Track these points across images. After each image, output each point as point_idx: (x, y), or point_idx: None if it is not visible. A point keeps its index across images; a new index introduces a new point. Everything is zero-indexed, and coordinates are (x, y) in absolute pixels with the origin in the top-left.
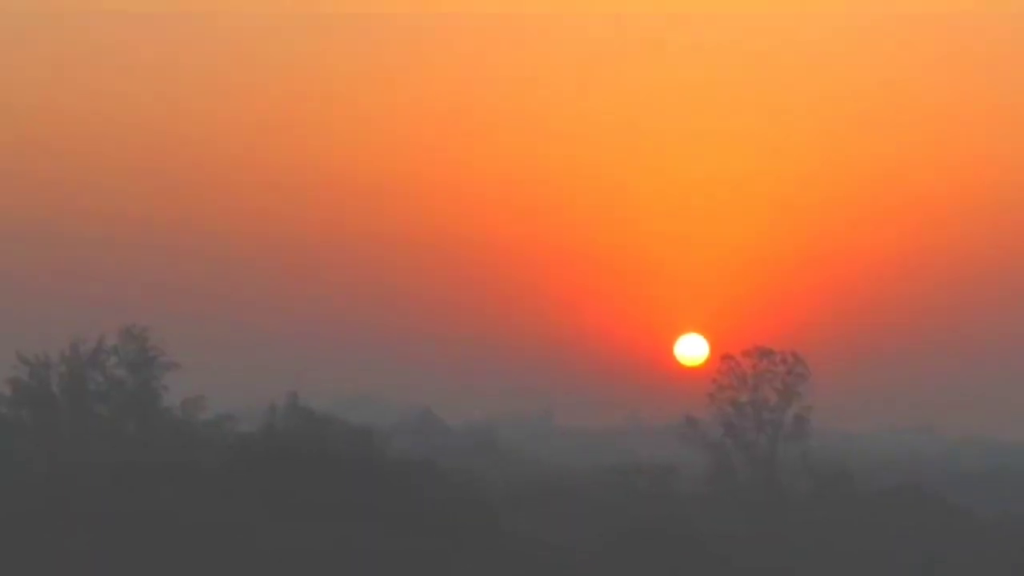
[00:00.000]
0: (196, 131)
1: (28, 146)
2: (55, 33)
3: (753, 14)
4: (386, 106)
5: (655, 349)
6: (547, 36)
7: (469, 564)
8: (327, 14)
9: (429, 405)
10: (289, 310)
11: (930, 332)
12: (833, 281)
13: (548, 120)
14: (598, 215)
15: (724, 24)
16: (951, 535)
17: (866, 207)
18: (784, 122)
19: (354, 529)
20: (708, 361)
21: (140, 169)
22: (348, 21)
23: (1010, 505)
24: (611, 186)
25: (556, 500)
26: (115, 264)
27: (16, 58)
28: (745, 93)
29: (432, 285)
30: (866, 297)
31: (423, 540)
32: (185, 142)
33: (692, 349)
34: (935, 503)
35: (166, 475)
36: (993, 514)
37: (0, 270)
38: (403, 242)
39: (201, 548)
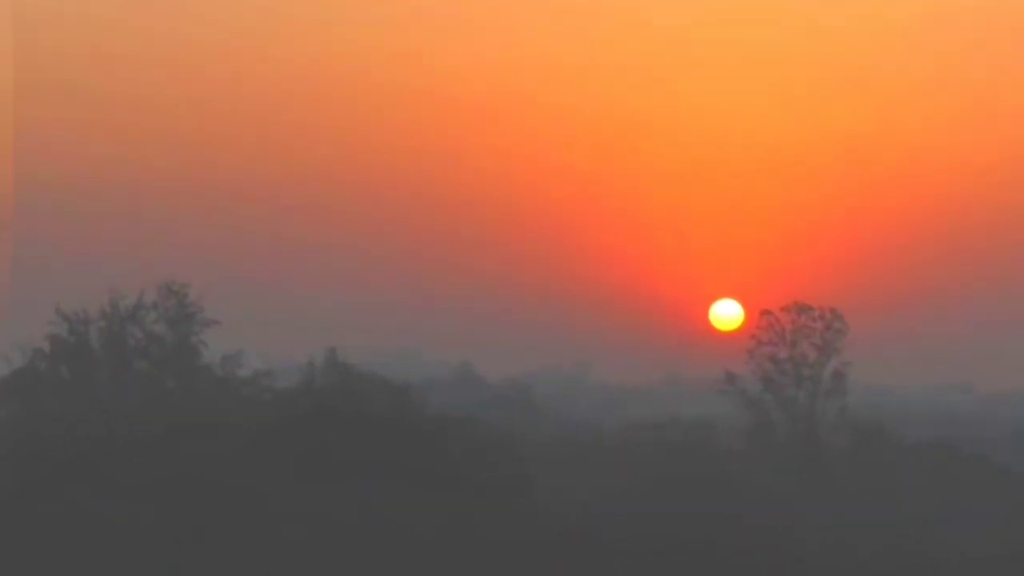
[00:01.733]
0: (235, 84)
1: (64, 98)
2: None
3: None
4: (435, 71)
5: (691, 312)
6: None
7: (505, 521)
8: None
9: (468, 360)
10: (328, 265)
11: (968, 288)
12: (871, 238)
13: (588, 80)
14: (634, 172)
15: None
16: (986, 491)
17: (905, 163)
18: (819, 81)
19: (391, 486)
20: (743, 326)
21: (178, 123)
22: None
23: None
24: (648, 146)
25: (592, 455)
26: (153, 219)
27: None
28: (774, 54)
29: (470, 241)
30: (904, 253)
31: (459, 497)
32: (224, 95)
33: (727, 313)
34: (971, 459)
35: (204, 432)
36: None
37: (38, 226)
38: (442, 198)
39: (237, 508)
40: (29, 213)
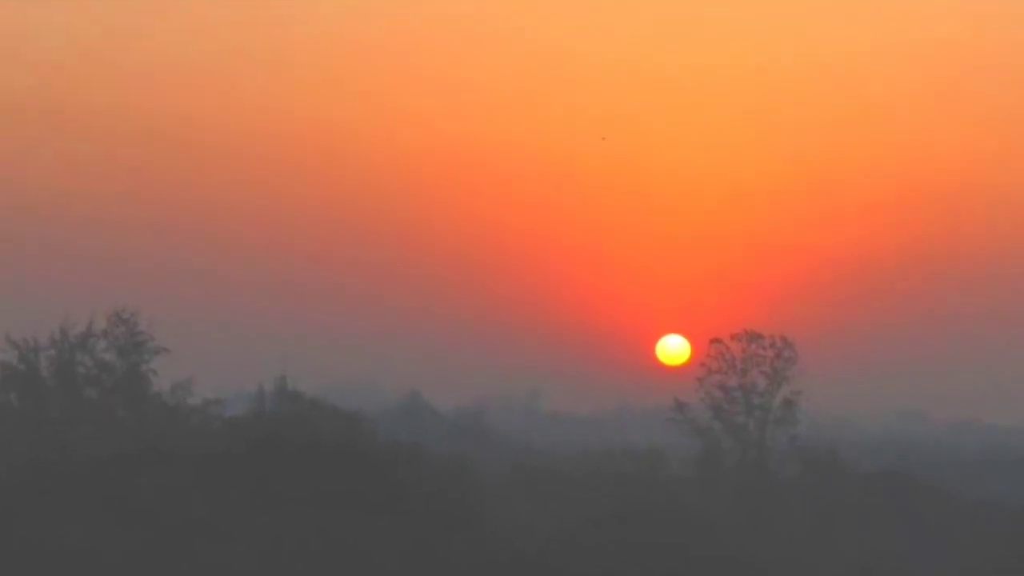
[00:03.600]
0: (186, 109)
1: (15, 129)
2: (42, 10)
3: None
4: (390, 107)
5: (638, 345)
6: (541, 36)
7: (457, 549)
8: None
9: (418, 389)
10: (278, 294)
11: (922, 316)
12: (821, 266)
13: (541, 108)
14: (587, 204)
15: (718, 23)
16: (939, 519)
17: (855, 191)
18: (772, 114)
19: (342, 515)
20: (690, 360)
21: (129, 150)
22: None
23: (999, 490)
24: (600, 177)
25: (544, 484)
26: (103, 247)
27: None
28: (717, 88)
29: (421, 269)
30: (855, 281)
31: (411, 526)
32: (175, 121)
33: (674, 347)
34: (924, 487)
35: (154, 460)
36: (982, 498)
37: None
38: (391, 228)
39: (188, 535)
40: None
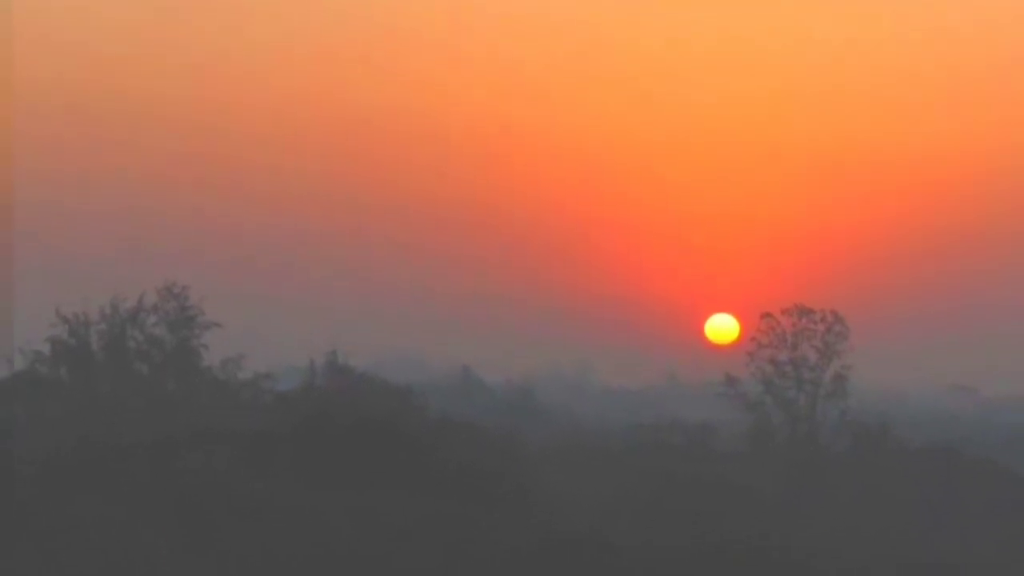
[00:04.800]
0: (239, 85)
1: (64, 98)
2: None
3: None
4: (436, 62)
5: (687, 323)
6: (596, 23)
7: (507, 524)
8: None
9: (468, 363)
10: (329, 269)
11: (972, 291)
12: (874, 241)
13: (592, 90)
14: (637, 182)
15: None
16: (989, 495)
17: (909, 165)
18: (817, 86)
19: (391, 490)
20: (738, 339)
21: (179, 124)
22: None
23: None
24: (651, 155)
25: (594, 458)
26: (154, 222)
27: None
28: (768, 61)
29: (472, 246)
30: (906, 256)
31: (461, 501)
32: (227, 96)
33: (722, 325)
34: (973, 463)
35: (205, 435)
36: None
37: (39, 228)
38: (444, 203)
39: (238, 512)
40: (30, 214)
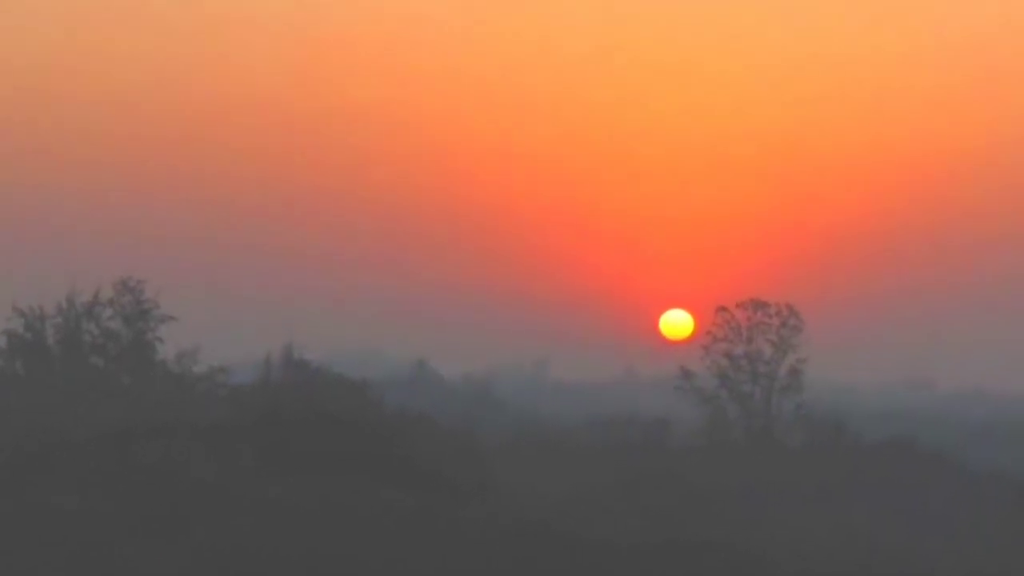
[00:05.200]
0: (191, 74)
1: (22, 94)
2: None
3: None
4: (395, 62)
5: (642, 319)
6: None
7: (464, 517)
8: None
9: (425, 357)
10: (284, 262)
11: (929, 284)
12: (828, 234)
13: (549, 84)
14: (593, 178)
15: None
16: (945, 489)
17: (860, 158)
18: (774, 90)
19: (348, 483)
20: (693, 334)
21: (135, 117)
22: None
23: (1005, 459)
24: (605, 152)
25: (550, 452)
26: (110, 215)
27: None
28: (728, 61)
29: (429, 239)
30: (862, 248)
31: (418, 494)
32: (178, 85)
33: (677, 320)
34: (929, 456)
35: (160, 429)
36: (987, 468)
37: None
38: (399, 197)
39: (194, 504)
40: None
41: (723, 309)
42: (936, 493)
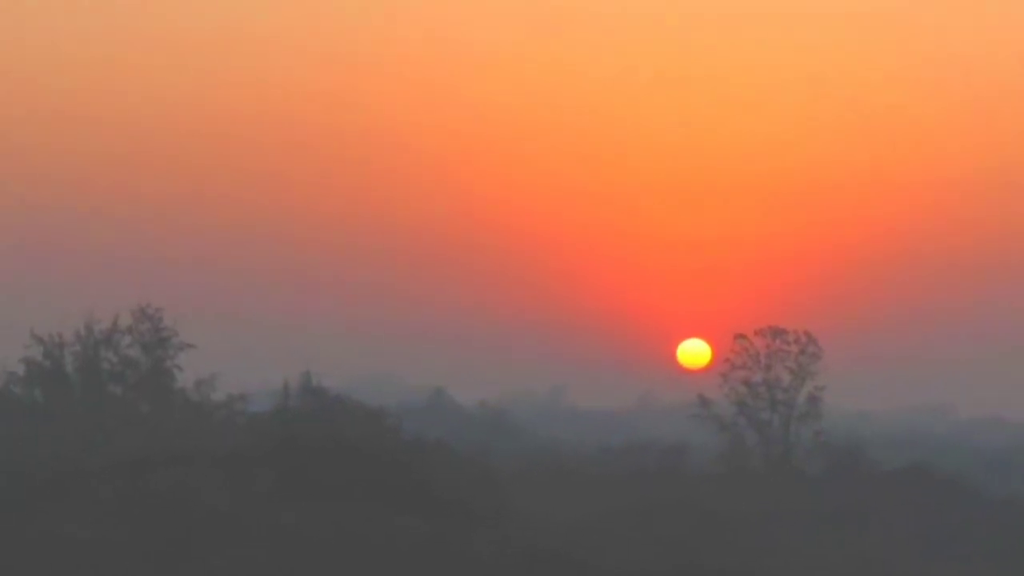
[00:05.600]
0: (209, 104)
1: (39, 121)
2: (59, 7)
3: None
4: (412, 98)
5: (659, 348)
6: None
7: (480, 545)
8: None
9: (442, 385)
10: (303, 291)
11: (945, 312)
12: (845, 262)
13: (566, 110)
14: (609, 206)
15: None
16: (962, 516)
17: (879, 186)
18: (790, 107)
19: (365, 511)
20: (711, 363)
21: (156, 147)
22: None
23: (1022, 485)
24: (623, 180)
25: (567, 479)
26: (130, 244)
27: (20, 36)
28: (744, 83)
29: (447, 268)
30: (879, 277)
31: (435, 522)
32: (197, 115)
33: (694, 350)
34: (945, 482)
35: (178, 456)
36: (1005, 495)
37: (14, 248)
38: (416, 225)
39: (211, 533)
40: (4, 235)
41: (741, 336)
42: (953, 520)
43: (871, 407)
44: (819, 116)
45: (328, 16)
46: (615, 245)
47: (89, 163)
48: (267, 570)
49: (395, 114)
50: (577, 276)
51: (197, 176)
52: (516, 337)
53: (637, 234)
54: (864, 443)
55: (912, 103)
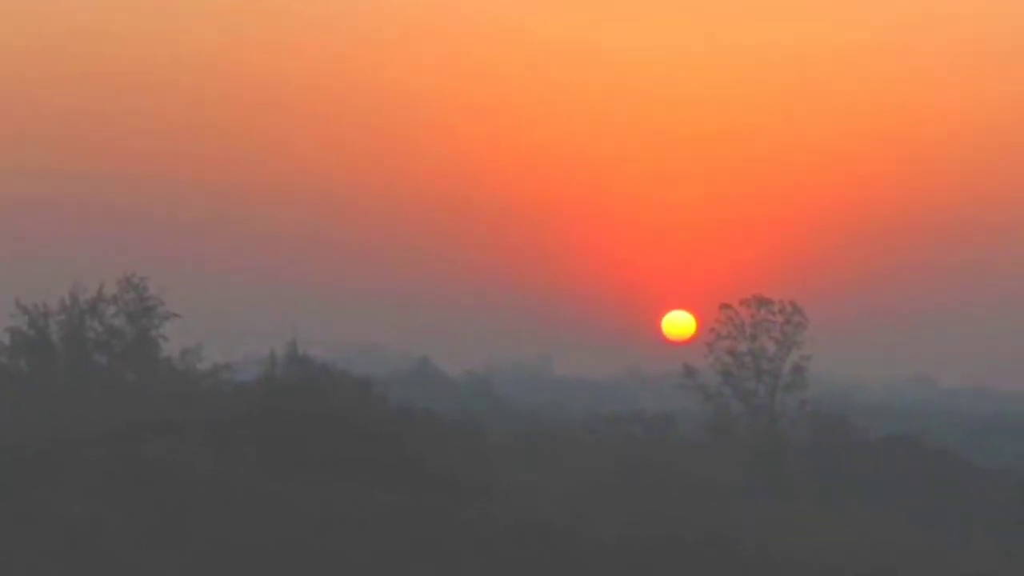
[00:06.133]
0: (194, 70)
1: (25, 91)
2: None
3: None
4: (406, 68)
5: (644, 319)
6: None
7: (467, 514)
8: None
9: (428, 354)
10: (288, 259)
11: (931, 282)
12: (831, 230)
13: (558, 86)
14: (596, 175)
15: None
16: (949, 485)
17: (863, 160)
18: (776, 81)
19: (351, 480)
20: (696, 336)
21: (140, 116)
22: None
23: (1009, 455)
24: (608, 150)
25: (554, 448)
26: (114, 212)
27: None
28: (729, 62)
29: (433, 236)
30: (865, 244)
31: (421, 491)
32: (187, 89)
33: (679, 323)
34: (933, 451)
35: (164, 426)
36: (992, 464)
37: None
38: (403, 194)
39: (198, 502)
40: None
41: (726, 306)
42: (940, 489)
43: (857, 376)
44: (804, 87)
45: None
46: (601, 216)
47: (72, 133)
48: (254, 539)
49: (383, 84)
50: (563, 247)
51: (183, 144)
52: (502, 307)
53: (623, 205)
54: (850, 412)
55: (889, 70)
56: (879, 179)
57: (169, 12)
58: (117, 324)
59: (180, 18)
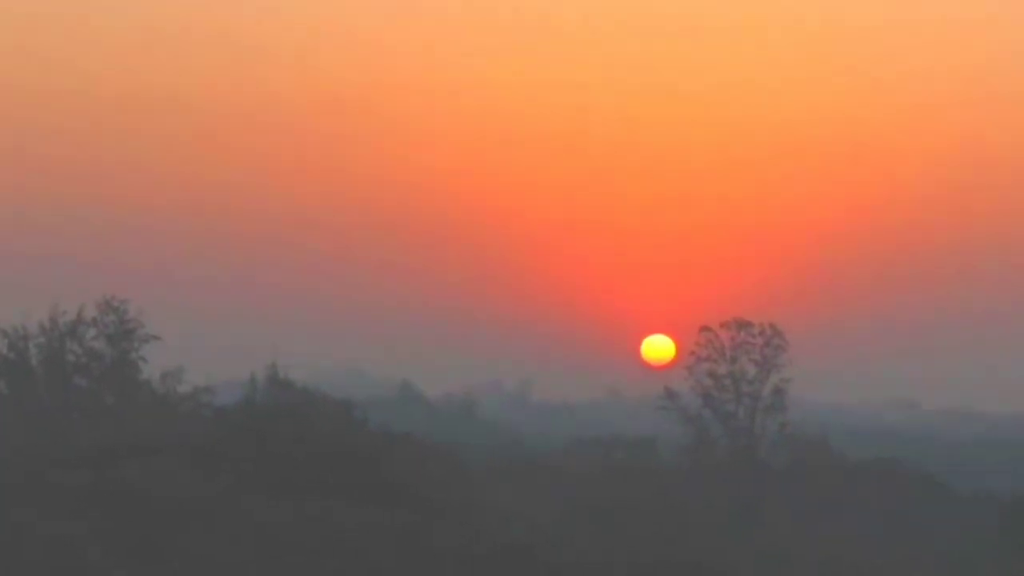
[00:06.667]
0: (175, 97)
1: (5, 119)
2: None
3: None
4: (383, 89)
5: (624, 344)
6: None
7: (447, 537)
8: None
9: (409, 377)
10: (269, 283)
11: (912, 306)
12: (811, 253)
13: (536, 106)
14: (576, 200)
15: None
16: (930, 508)
17: (843, 184)
18: (764, 108)
19: (332, 503)
20: (675, 360)
21: (117, 139)
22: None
23: (990, 478)
24: (587, 175)
25: (534, 472)
26: (94, 235)
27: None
28: (722, 85)
29: (413, 261)
30: (846, 268)
31: (401, 514)
32: (163, 108)
33: (658, 347)
34: (914, 475)
35: (143, 449)
36: (972, 487)
37: None
38: (385, 218)
39: (177, 524)
40: None
41: (707, 328)
42: (920, 512)
43: (837, 400)
44: (781, 111)
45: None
46: (581, 242)
47: (51, 155)
48: (233, 561)
49: (368, 108)
50: (543, 272)
51: (164, 168)
52: (483, 331)
53: (603, 231)
54: (831, 435)
55: (866, 100)
56: (860, 204)
57: (151, 34)
58: (97, 347)
59: (162, 41)
